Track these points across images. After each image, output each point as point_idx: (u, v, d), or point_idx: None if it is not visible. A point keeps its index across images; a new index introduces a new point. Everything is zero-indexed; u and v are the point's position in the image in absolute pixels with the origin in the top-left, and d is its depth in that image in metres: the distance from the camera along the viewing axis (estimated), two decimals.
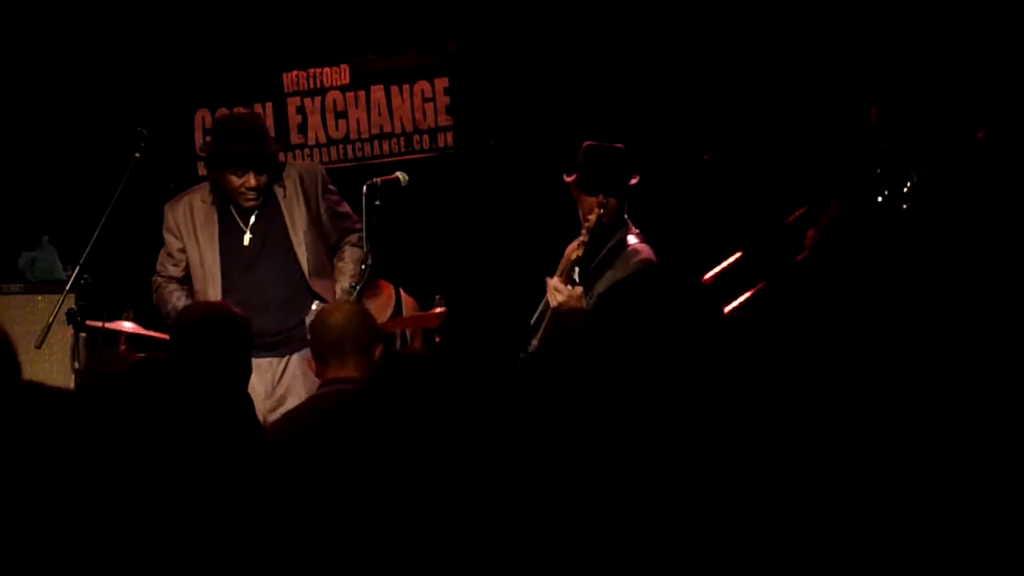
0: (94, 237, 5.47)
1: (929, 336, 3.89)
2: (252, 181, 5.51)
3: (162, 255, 5.75)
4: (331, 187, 5.75)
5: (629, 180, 5.43)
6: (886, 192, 4.46)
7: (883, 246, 4.36)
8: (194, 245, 5.66)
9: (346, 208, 5.74)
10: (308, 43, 7.71)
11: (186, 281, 5.72)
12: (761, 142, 6.47)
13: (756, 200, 5.83)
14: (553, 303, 5.22)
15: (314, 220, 5.63)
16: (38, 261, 6.91)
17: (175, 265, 5.70)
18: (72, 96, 7.83)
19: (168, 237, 5.72)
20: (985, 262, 4.13)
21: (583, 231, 5.33)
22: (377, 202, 5.43)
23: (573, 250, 5.35)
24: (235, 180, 5.52)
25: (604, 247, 5.38)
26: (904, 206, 4.39)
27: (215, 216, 5.65)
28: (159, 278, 5.75)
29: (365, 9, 7.61)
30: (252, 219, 5.61)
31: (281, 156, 5.84)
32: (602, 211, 5.32)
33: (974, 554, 2.60)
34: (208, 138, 5.91)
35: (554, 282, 5.23)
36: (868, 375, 3.82)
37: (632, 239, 5.43)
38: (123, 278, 6.19)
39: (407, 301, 6.39)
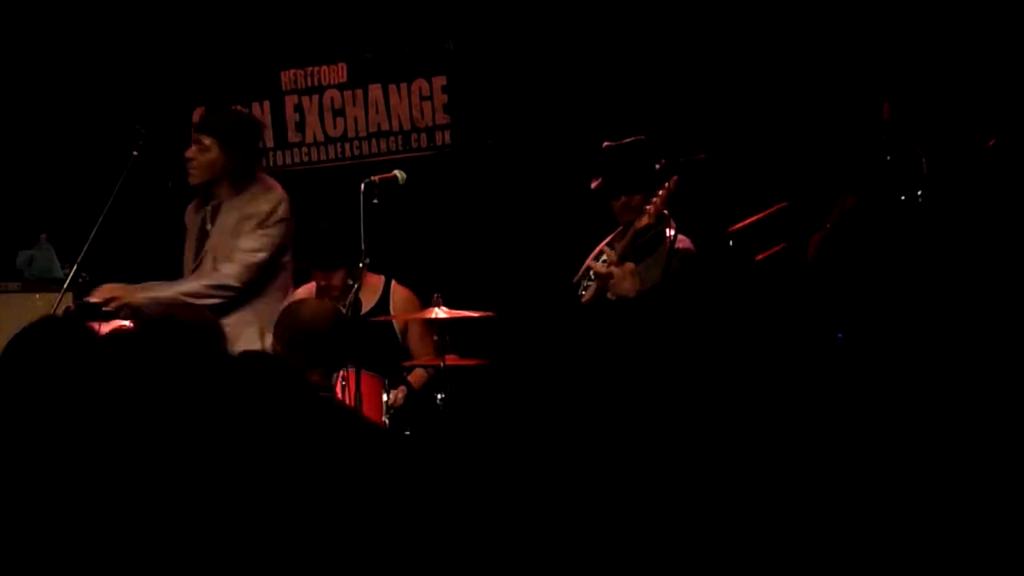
0: (92, 235, 5.46)
1: (936, 333, 3.89)
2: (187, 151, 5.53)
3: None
4: (270, 219, 5.55)
5: (651, 171, 5.40)
6: (899, 182, 4.46)
7: (897, 241, 4.35)
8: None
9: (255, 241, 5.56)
10: (306, 41, 7.71)
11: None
12: (761, 140, 6.46)
13: (754, 200, 5.81)
14: (603, 271, 5.20)
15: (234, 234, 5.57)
16: (36, 259, 6.91)
17: None
18: (70, 94, 7.84)
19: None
20: (993, 260, 4.14)
21: (644, 216, 5.28)
22: (375, 200, 5.41)
23: (618, 235, 5.31)
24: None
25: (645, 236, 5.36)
26: (919, 192, 4.40)
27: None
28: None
29: (363, 7, 7.61)
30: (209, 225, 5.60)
31: (264, 164, 5.77)
32: (649, 219, 5.30)
33: (975, 553, 2.60)
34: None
35: (611, 254, 5.23)
36: (876, 367, 3.83)
37: (670, 232, 5.38)
38: (121, 276, 6.17)
39: (400, 292, 6.34)
